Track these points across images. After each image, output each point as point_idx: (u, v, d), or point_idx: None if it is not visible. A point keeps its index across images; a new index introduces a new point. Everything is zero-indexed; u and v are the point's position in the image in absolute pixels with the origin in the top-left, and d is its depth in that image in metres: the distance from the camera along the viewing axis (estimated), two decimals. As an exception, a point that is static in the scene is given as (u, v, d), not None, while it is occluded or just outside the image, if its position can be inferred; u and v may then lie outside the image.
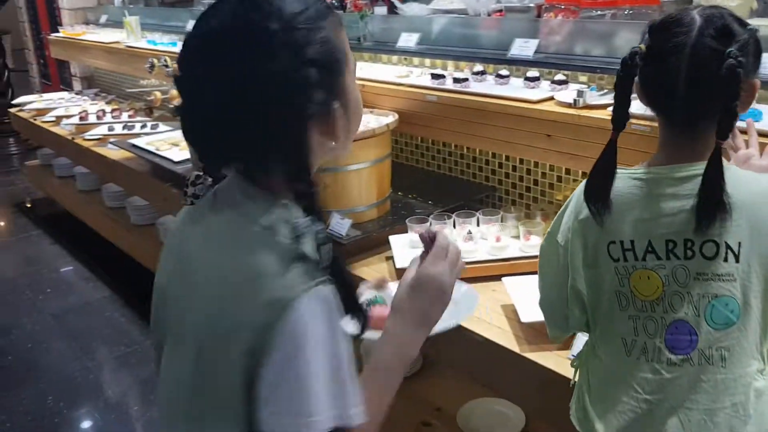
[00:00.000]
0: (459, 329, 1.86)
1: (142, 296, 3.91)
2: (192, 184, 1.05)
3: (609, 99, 1.98)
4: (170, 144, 3.54)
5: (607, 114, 1.88)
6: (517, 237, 2.19)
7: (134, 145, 3.61)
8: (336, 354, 0.87)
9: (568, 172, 2.36)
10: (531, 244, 2.12)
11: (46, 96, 5.55)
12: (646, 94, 1.21)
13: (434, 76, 2.42)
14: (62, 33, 5.44)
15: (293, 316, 0.84)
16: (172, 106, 3.12)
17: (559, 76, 2.19)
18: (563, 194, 2.42)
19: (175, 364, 0.95)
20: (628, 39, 2.22)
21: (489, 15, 2.71)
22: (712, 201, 1.12)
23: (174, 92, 3.44)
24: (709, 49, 1.10)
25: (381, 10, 3.20)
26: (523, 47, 2.40)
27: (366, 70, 2.82)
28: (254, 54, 0.87)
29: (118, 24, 5.17)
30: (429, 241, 1.10)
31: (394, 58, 2.95)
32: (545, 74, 2.34)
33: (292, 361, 0.84)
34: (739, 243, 1.14)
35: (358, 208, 2.40)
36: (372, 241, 2.35)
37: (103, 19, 5.54)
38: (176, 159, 3.29)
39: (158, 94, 3.48)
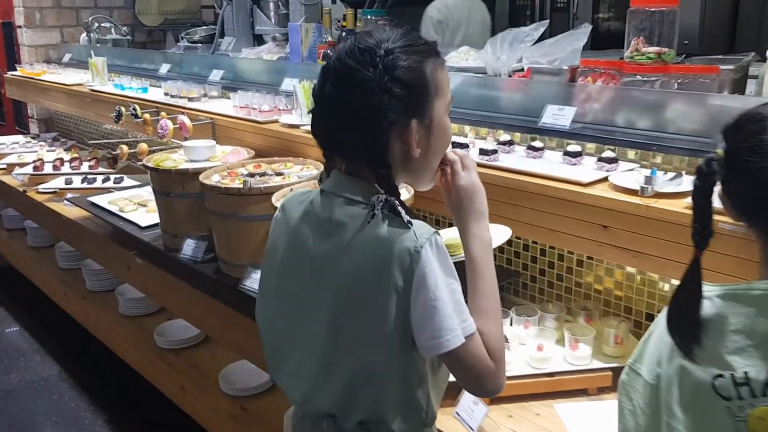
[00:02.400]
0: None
1: (95, 375, 3.49)
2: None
3: (676, 185, 1.65)
4: (136, 204, 3.12)
5: (682, 206, 1.55)
6: (559, 341, 1.83)
7: (94, 204, 3.18)
8: (451, 283, 1.15)
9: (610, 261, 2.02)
10: (579, 355, 1.76)
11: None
12: (734, 206, 1.09)
13: (455, 145, 2.07)
14: (20, 71, 5.00)
15: (421, 262, 1.12)
16: (140, 163, 2.71)
17: (608, 153, 1.86)
18: (603, 286, 2.07)
19: (321, 309, 1.22)
20: (683, 111, 1.91)
21: (510, 76, 2.39)
22: None
23: (143, 146, 3.03)
24: None
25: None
26: (557, 115, 2.08)
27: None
28: (360, 67, 1.15)
29: (83, 64, 4.76)
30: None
31: (399, 118, 2.60)
32: (584, 148, 2.02)
33: (426, 295, 1.12)
34: None
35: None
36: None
37: (67, 58, 5.13)
38: (143, 224, 2.87)
39: (125, 148, 3.06)
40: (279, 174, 2.37)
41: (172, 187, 2.51)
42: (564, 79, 2.22)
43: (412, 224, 1.14)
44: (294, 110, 2.73)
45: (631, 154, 1.95)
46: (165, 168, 2.51)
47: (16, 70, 5.12)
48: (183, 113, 3.00)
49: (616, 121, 2.04)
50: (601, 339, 1.82)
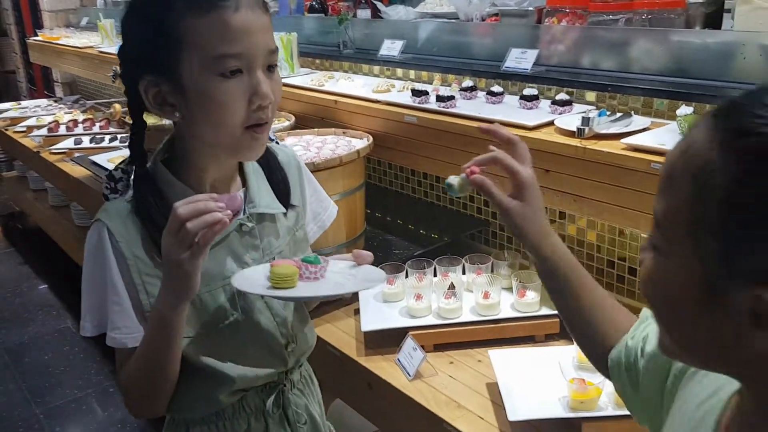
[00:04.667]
0: (426, 413, 1.49)
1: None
2: None
3: (622, 126, 1.59)
4: (134, 162, 3.18)
5: (619, 147, 1.49)
6: (510, 289, 1.80)
7: (94, 162, 3.26)
8: (101, 276, 1.04)
9: (573, 208, 1.97)
10: (527, 302, 1.74)
11: (23, 104, 5.22)
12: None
13: (415, 93, 2.04)
14: (41, 36, 5.11)
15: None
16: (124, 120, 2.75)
17: (561, 95, 1.80)
18: (566, 233, 2.02)
19: None
20: (646, 49, 1.83)
21: (483, 20, 2.32)
22: None
23: (136, 105, 3.07)
24: None
25: (365, 14, 2.82)
26: (520, 59, 2.02)
27: (342, 83, 2.45)
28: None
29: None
30: None
31: (376, 68, 2.57)
32: (545, 91, 1.96)
33: None
34: None
35: (324, 249, 2.01)
36: (337, 290, 1.98)
37: (84, 21, 5.22)
38: (135, 180, 2.93)
39: (118, 107, 3.12)
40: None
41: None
42: (531, 22, 2.15)
43: (107, 199, 1.08)
44: (274, 63, 2.71)
45: (590, 96, 1.88)
46: (143, 124, 2.54)
47: (38, 35, 5.25)
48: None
49: (581, 62, 1.97)
50: (553, 286, 1.79)
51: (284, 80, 2.55)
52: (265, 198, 1.16)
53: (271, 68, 1.03)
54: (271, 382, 1.19)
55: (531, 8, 2.13)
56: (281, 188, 1.19)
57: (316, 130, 2.24)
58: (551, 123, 1.70)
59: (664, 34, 1.80)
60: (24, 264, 4.51)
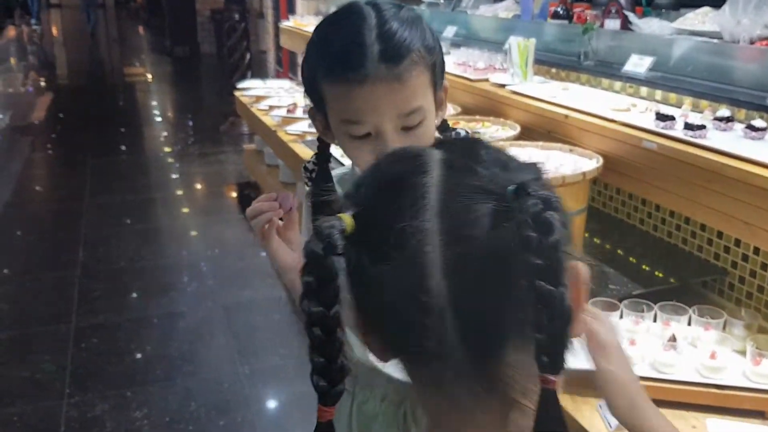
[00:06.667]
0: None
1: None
2: None
3: None
4: (358, 151, 3.30)
5: None
6: (743, 353, 1.58)
7: (323, 148, 3.42)
8: None
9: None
10: (762, 371, 1.51)
11: (269, 83, 5.67)
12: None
13: (660, 117, 1.86)
14: (292, 22, 5.51)
15: None
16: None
17: (844, 140, 1.53)
18: (824, 300, 1.73)
19: None
20: None
21: (752, 43, 2.05)
22: None
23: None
24: None
25: (614, 24, 2.64)
26: (795, 91, 1.75)
27: (578, 96, 2.31)
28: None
29: (343, 18, 5.09)
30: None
31: (617, 84, 2.39)
32: (823, 132, 1.68)
33: None
34: None
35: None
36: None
37: (332, 10, 5.52)
38: (356, 170, 3.03)
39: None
40: (475, 133, 2.34)
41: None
42: (815, 49, 1.85)
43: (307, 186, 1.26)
44: (507, 69, 2.64)
45: None
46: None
47: (289, 21, 5.66)
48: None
49: None
50: (797, 360, 1.54)
51: (514, 88, 2.49)
52: None
53: (408, 128, 1.01)
54: None
55: (816, 33, 1.84)
56: None
57: (540, 143, 2.14)
58: (825, 172, 1.45)
59: None
60: (251, 231, 4.90)
